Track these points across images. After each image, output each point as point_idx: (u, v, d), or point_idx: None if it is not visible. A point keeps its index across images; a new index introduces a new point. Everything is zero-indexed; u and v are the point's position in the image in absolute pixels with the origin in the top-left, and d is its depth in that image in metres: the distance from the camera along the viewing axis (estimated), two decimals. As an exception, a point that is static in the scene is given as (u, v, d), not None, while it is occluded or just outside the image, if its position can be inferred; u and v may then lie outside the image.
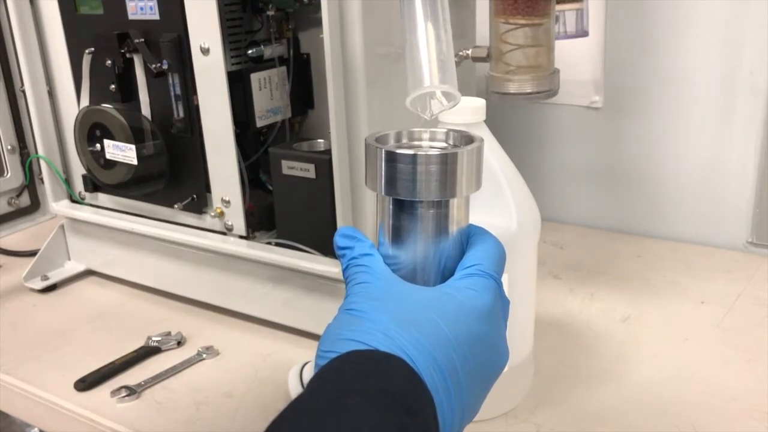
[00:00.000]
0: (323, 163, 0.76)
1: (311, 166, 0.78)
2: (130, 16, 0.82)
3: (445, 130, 0.47)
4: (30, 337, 0.88)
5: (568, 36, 0.86)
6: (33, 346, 0.85)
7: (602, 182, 1.12)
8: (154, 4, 0.80)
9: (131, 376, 0.78)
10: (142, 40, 0.82)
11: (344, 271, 0.45)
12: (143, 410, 0.73)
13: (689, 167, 1.04)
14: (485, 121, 0.65)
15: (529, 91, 0.78)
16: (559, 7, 0.83)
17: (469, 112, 0.63)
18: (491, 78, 0.80)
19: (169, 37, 0.79)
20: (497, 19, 0.78)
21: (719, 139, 1.01)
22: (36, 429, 1.12)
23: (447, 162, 0.42)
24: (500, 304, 0.45)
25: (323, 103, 0.79)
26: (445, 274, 0.45)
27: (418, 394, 0.38)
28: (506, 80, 0.78)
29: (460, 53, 0.82)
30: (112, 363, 0.79)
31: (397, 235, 0.45)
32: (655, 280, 0.95)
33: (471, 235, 0.46)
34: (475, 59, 0.82)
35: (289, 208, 0.82)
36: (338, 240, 0.46)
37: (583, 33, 0.87)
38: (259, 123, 0.85)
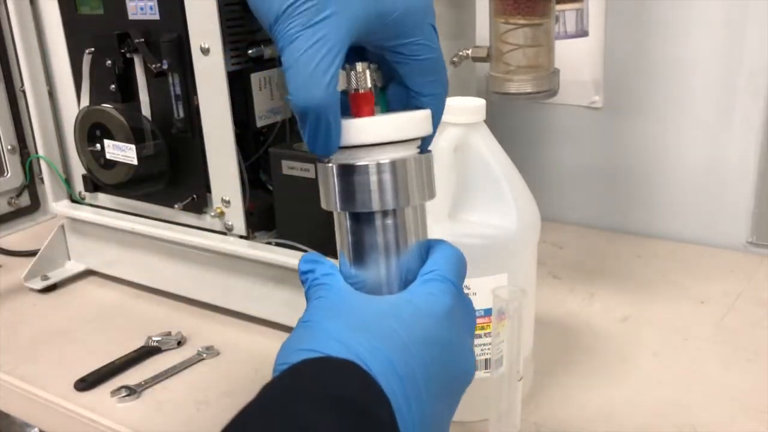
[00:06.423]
0: (323, 163, 0.76)
1: (311, 166, 0.78)
2: (130, 16, 0.82)
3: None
4: (30, 337, 0.88)
5: (568, 36, 0.87)
6: (33, 346, 0.85)
7: (602, 182, 1.12)
8: (154, 4, 0.80)
9: (131, 376, 0.78)
10: (142, 40, 0.82)
11: (306, 293, 0.45)
12: (143, 410, 0.73)
13: (689, 167, 1.04)
14: (485, 121, 0.65)
15: (529, 91, 0.78)
16: (559, 7, 0.83)
17: (469, 112, 0.63)
18: (491, 78, 0.80)
19: (169, 37, 0.79)
20: (497, 19, 0.78)
21: (719, 139, 1.01)
22: (36, 429, 1.12)
23: (396, 169, 0.42)
24: (461, 309, 0.44)
25: (323, 103, 0.79)
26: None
27: (373, 398, 0.37)
28: (506, 80, 0.78)
29: (460, 53, 0.82)
30: (112, 363, 0.79)
31: (357, 252, 0.45)
32: (655, 280, 0.95)
33: (431, 247, 0.46)
34: (475, 59, 0.82)
35: (289, 208, 0.82)
36: (301, 265, 0.46)
37: (583, 33, 0.87)
38: (259, 123, 0.85)
